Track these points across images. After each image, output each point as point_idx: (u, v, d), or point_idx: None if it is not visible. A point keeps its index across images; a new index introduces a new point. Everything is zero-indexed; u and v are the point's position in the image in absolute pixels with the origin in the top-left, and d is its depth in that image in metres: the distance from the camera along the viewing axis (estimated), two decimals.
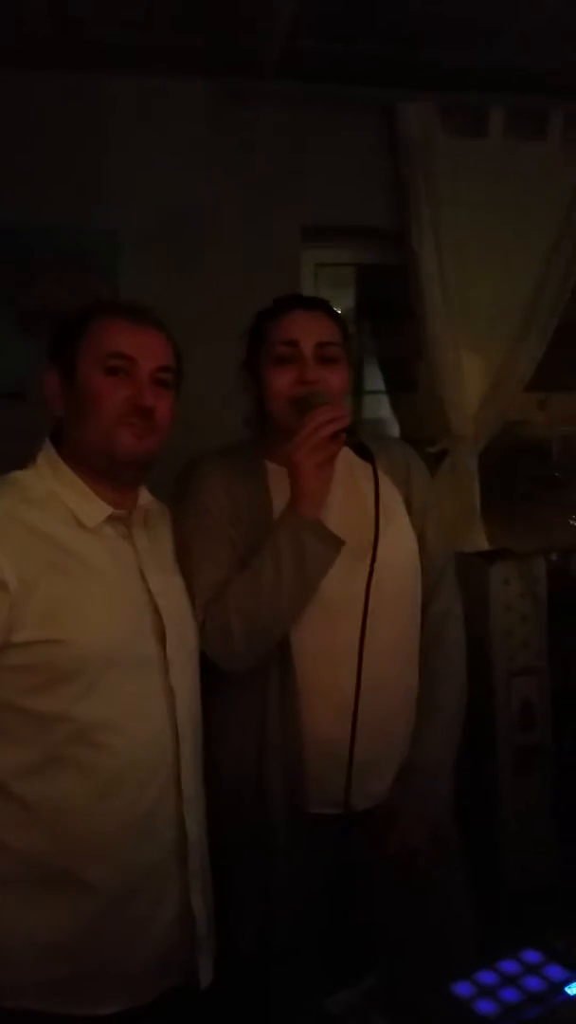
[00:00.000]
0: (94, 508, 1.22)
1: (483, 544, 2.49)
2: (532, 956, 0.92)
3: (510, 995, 0.86)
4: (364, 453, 1.34)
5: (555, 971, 0.89)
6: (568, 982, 0.88)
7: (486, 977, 0.88)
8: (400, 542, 1.45)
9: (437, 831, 1.45)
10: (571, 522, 3.14)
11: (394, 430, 3.02)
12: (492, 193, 2.40)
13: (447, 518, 2.31)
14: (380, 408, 3.28)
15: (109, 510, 1.24)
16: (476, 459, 2.50)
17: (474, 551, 2.44)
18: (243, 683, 1.39)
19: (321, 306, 1.47)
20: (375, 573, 1.32)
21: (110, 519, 1.24)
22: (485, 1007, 0.85)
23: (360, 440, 1.35)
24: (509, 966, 0.90)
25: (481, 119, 2.41)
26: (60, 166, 2.31)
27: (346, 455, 1.36)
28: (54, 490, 1.22)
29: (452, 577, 1.56)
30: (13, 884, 1.14)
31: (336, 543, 1.32)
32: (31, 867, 1.14)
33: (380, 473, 1.45)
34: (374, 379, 3.17)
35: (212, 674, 1.36)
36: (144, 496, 1.33)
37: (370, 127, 2.43)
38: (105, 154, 2.32)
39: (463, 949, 1.45)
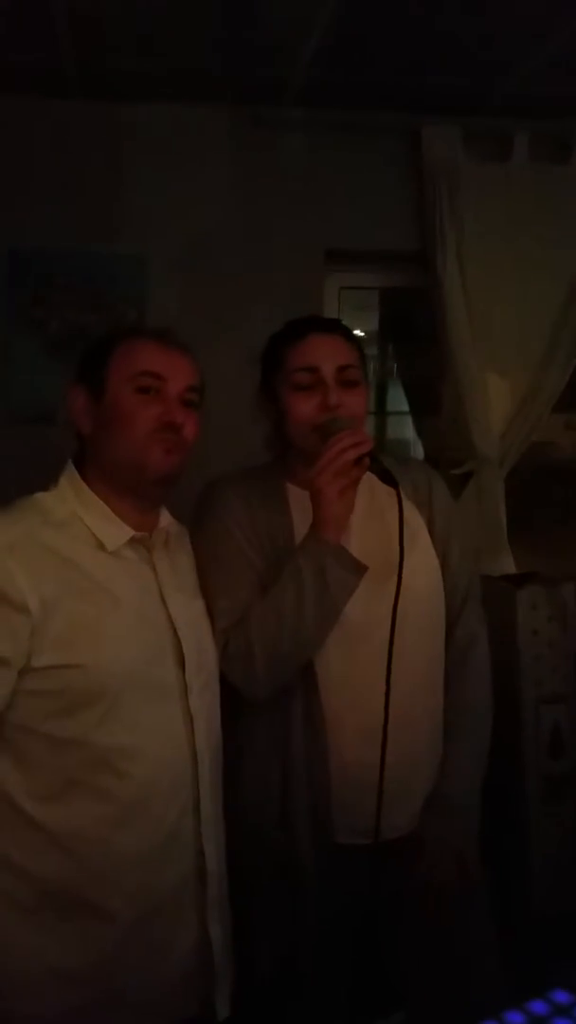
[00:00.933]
0: (116, 531, 1.23)
1: (510, 568, 2.47)
2: (562, 997, 0.89)
3: None
4: (388, 479, 1.33)
5: None
6: None
7: (515, 1018, 0.85)
8: (423, 566, 1.43)
9: (464, 862, 1.42)
10: None
11: (418, 451, 3.00)
12: (516, 217, 2.41)
13: (472, 541, 2.29)
14: (404, 429, 3.27)
15: (131, 533, 1.24)
16: (502, 481, 2.48)
17: (501, 575, 2.41)
18: (266, 709, 1.37)
19: (338, 328, 1.45)
20: (400, 598, 1.30)
21: (131, 542, 1.24)
22: None
23: (384, 466, 1.33)
24: (538, 1007, 0.87)
25: (505, 143, 2.42)
26: (88, 193, 2.35)
27: (367, 478, 1.35)
28: (76, 512, 1.22)
29: (477, 601, 1.54)
30: (30, 910, 1.13)
31: (359, 568, 1.31)
32: (48, 893, 1.13)
33: (404, 498, 1.44)
34: (398, 400, 3.16)
35: (234, 699, 1.35)
36: (165, 518, 1.33)
37: (394, 152, 2.46)
38: (132, 181, 2.37)
39: (487, 984, 1.42)
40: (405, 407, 3.12)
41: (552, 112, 2.37)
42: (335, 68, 2.14)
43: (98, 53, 2.09)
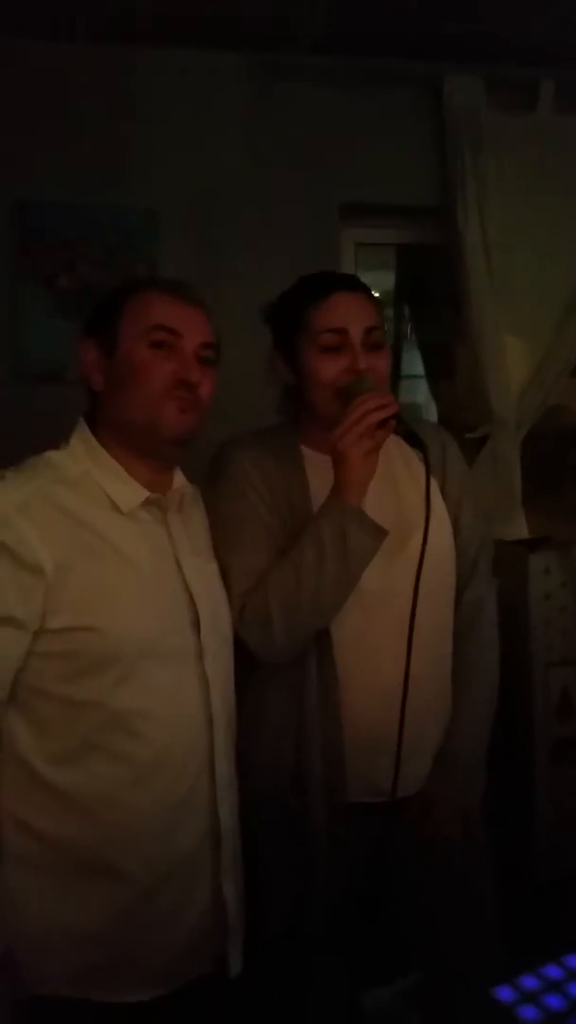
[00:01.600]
0: (131, 491, 1.20)
1: (523, 532, 2.45)
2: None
3: (554, 1002, 0.83)
4: (414, 441, 1.30)
5: None
6: None
7: (529, 982, 0.86)
8: (439, 530, 1.41)
9: (468, 820, 1.44)
10: None
11: (431, 415, 2.97)
12: (540, 170, 2.34)
13: (486, 505, 2.26)
14: (417, 393, 3.22)
15: (146, 494, 1.21)
16: (518, 446, 2.45)
17: (514, 539, 2.39)
18: (281, 671, 1.37)
19: (359, 286, 1.41)
20: (425, 564, 1.28)
21: (146, 503, 1.22)
22: (528, 1013, 0.82)
23: (410, 427, 1.31)
24: (553, 971, 0.87)
25: (530, 93, 2.34)
26: (97, 145, 2.29)
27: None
28: (89, 472, 1.20)
29: (487, 565, 1.53)
30: (47, 871, 1.13)
31: (380, 532, 1.29)
32: (65, 854, 1.13)
33: (419, 463, 1.41)
34: (412, 364, 3.11)
35: (248, 661, 1.34)
36: (179, 479, 1.31)
37: (414, 102, 2.38)
38: (144, 131, 2.30)
39: (488, 941, 1.44)
40: (419, 371, 3.07)
41: None
42: (353, 14, 2.06)
43: None
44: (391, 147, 2.38)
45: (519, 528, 2.45)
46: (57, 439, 1.26)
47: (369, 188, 2.39)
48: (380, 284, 2.90)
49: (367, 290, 1.42)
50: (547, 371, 2.41)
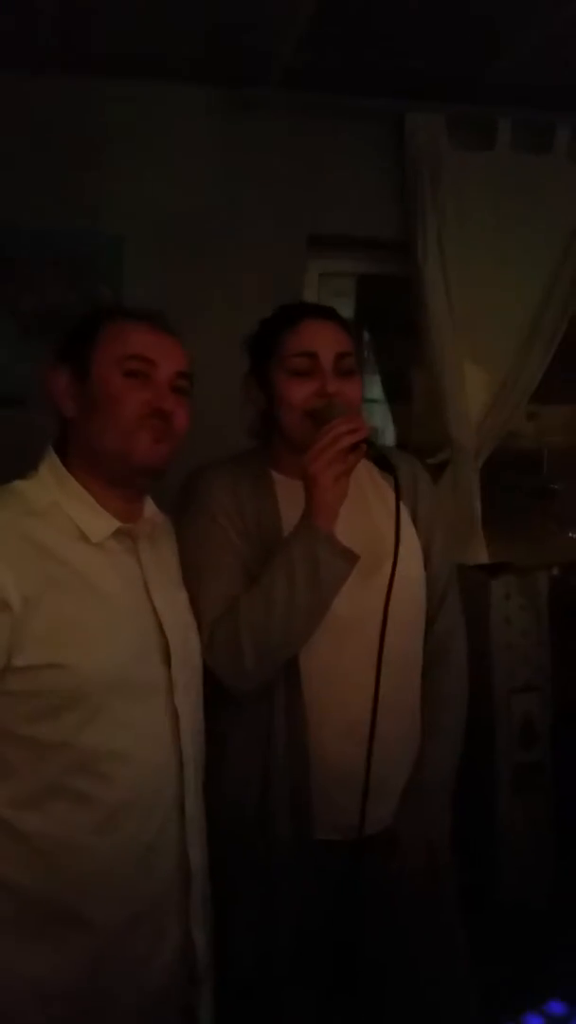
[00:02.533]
0: (100, 522, 1.18)
1: (483, 557, 2.47)
2: (558, 1008, 0.88)
3: None
4: (385, 465, 1.31)
5: None
6: None
7: (533, 1021, 0.85)
8: (410, 558, 1.42)
9: (433, 849, 1.43)
10: (571, 535, 3.13)
11: (389, 440, 3.00)
12: (498, 206, 2.39)
13: (450, 532, 2.29)
14: (375, 418, 3.26)
15: (116, 524, 1.19)
16: (478, 471, 2.48)
17: (475, 564, 2.42)
18: (248, 702, 1.35)
19: (333, 315, 1.43)
20: (396, 591, 1.29)
21: (116, 533, 1.20)
22: None
23: (381, 452, 1.32)
24: (534, 1021, 0.86)
25: (488, 132, 2.40)
26: (66, 171, 2.28)
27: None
28: (58, 502, 1.17)
29: (456, 594, 1.54)
30: (8, 922, 1.09)
31: (351, 557, 1.29)
32: (28, 904, 1.09)
33: (390, 488, 1.42)
34: (371, 388, 3.15)
35: (214, 693, 1.32)
36: (150, 507, 1.29)
37: (377, 138, 2.41)
38: (112, 160, 2.30)
39: (457, 969, 1.43)
40: (377, 395, 3.11)
41: (535, 101, 2.35)
42: (319, 50, 2.09)
43: (78, 26, 2.02)
44: (355, 180, 2.41)
45: (479, 553, 2.48)
46: (19, 463, 1.23)
47: (333, 220, 2.42)
48: (340, 312, 2.93)
49: (341, 320, 1.43)
50: (506, 399, 2.46)
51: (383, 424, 3.15)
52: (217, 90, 2.29)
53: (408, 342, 2.60)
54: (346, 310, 3.03)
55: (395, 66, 2.18)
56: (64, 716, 1.08)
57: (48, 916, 1.09)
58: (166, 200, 2.30)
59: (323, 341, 1.36)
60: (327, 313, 1.43)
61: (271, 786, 1.34)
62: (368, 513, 1.42)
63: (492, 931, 1.86)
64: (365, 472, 1.39)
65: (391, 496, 1.44)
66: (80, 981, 1.10)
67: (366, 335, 3.09)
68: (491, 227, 2.39)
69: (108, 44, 2.10)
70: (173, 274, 2.30)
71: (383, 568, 1.33)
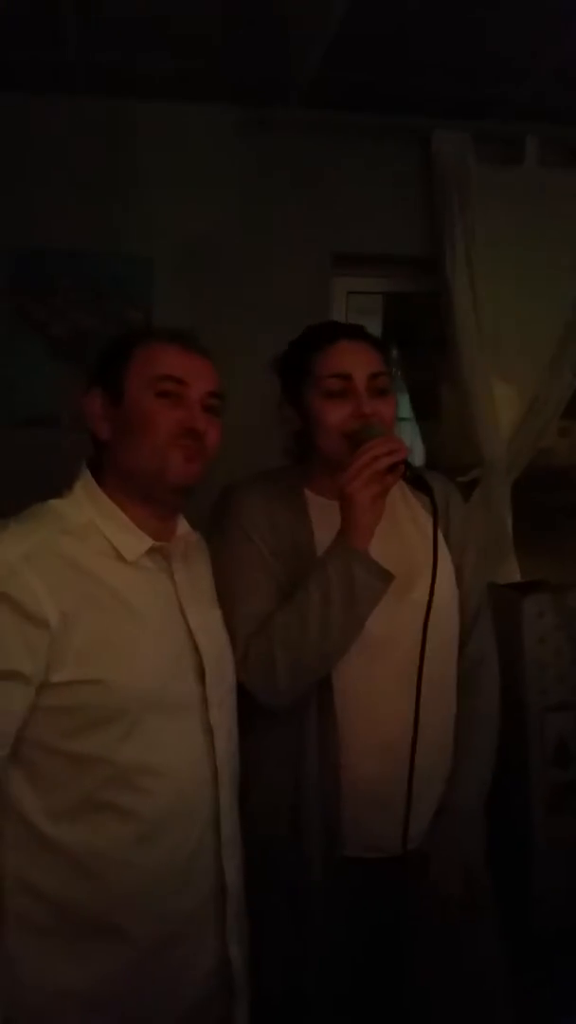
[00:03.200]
0: (135, 540, 1.19)
1: (516, 576, 2.45)
2: None
3: None
4: (422, 486, 1.31)
5: None
6: None
7: None
8: (444, 578, 1.40)
9: (470, 875, 1.41)
10: None
11: (419, 458, 2.99)
12: (526, 222, 2.39)
13: (482, 554, 2.27)
14: (404, 436, 3.25)
15: (150, 542, 1.20)
16: (509, 489, 2.46)
17: (507, 583, 2.39)
18: (280, 720, 1.35)
19: (365, 335, 1.44)
20: (432, 611, 1.28)
21: (150, 551, 1.21)
22: None
23: (418, 473, 1.32)
24: None
25: (516, 148, 2.41)
26: (92, 193, 2.33)
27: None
28: (93, 521, 1.19)
29: (488, 616, 1.52)
30: (48, 933, 1.10)
31: (386, 577, 1.29)
32: (67, 915, 1.10)
33: (422, 508, 1.42)
34: (400, 406, 3.14)
35: (247, 711, 1.32)
36: (183, 526, 1.30)
37: (403, 155, 2.44)
38: (138, 182, 2.34)
39: (496, 1000, 1.40)
40: (405, 413, 3.11)
41: (563, 117, 2.35)
42: (344, 69, 2.12)
43: (104, 49, 2.06)
44: (381, 198, 2.43)
45: (511, 571, 2.46)
46: (49, 485, 1.25)
47: (360, 238, 2.44)
48: (368, 330, 2.94)
49: (374, 339, 1.44)
50: (537, 415, 2.45)
51: (412, 442, 3.14)
52: (243, 110, 2.33)
53: (436, 359, 2.60)
54: (373, 328, 3.02)
55: (420, 84, 2.20)
56: (101, 731, 1.09)
57: (83, 928, 1.10)
58: (193, 221, 2.34)
59: (356, 362, 1.36)
60: (359, 333, 1.43)
61: (303, 803, 1.34)
62: (401, 533, 1.42)
63: (526, 957, 1.82)
64: (397, 492, 1.39)
65: (423, 516, 1.44)
66: (118, 994, 1.11)
67: (394, 353, 3.09)
68: (519, 243, 2.39)
69: (133, 66, 2.14)
70: (200, 295, 2.33)
71: (416, 588, 1.33)
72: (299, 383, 1.40)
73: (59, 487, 1.25)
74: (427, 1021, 1.39)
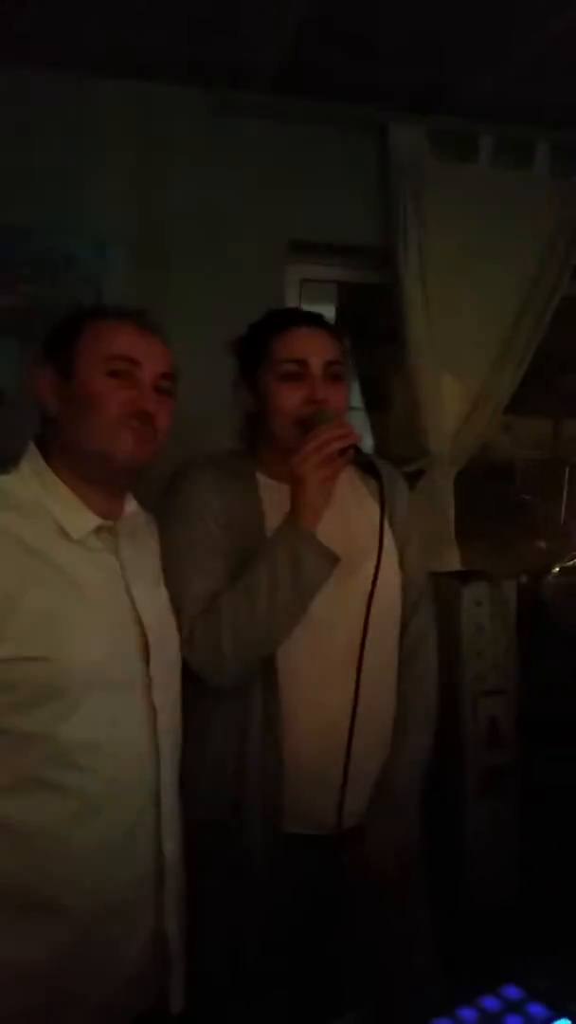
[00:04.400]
0: (81, 518, 1.19)
1: (456, 564, 2.51)
2: (513, 992, 0.91)
3: None
4: (371, 470, 1.35)
5: (537, 1009, 0.88)
6: (550, 1020, 0.87)
7: (466, 1014, 0.87)
8: (388, 562, 1.44)
9: (404, 853, 1.45)
10: (539, 545, 3.19)
11: (367, 447, 3.03)
12: (478, 219, 2.43)
13: (425, 539, 2.32)
14: (355, 425, 3.28)
15: (97, 521, 1.20)
16: (452, 480, 2.52)
17: (448, 571, 2.45)
18: (224, 699, 1.37)
19: (324, 323, 1.46)
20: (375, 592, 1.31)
21: (97, 530, 1.21)
22: None
23: (368, 458, 1.35)
24: (490, 1003, 0.89)
25: (471, 145, 2.44)
26: (48, 168, 2.28)
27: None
28: (39, 498, 1.18)
29: (429, 600, 1.57)
30: None
31: (332, 559, 1.31)
32: (6, 889, 1.10)
33: (368, 494, 1.45)
34: (350, 395, 3.17)
35: (192, 688, 1.33)
36: (131, 505, 1.30)
37: (362, 146, 2.44)
38: (93, 159, 2.30)
39: (426, 976, 1.46)
40: (356, 402, 3.14)
41: (518, 116, 2.39)
42: (308, 55, 2.12)
43: (66, 24, 2.03)
44: (339, 188, 2.43)
45: (452, 560, 2.52)
46: None
47: (316, 226, 2.44)
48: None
49: (331, 327, 1.46)
50: (481, 409, 2.50)
51: (361, 432, 3.17)
52: (202, 93, 2.30)
53: (388, 350, 2.63)
54: (327, 316, 3.05)
55: (380, 76, 2.21)
56: (42, 708, 1.10)
57: (24, 904, 1.11)
58: (148, 201, 2.31)
59: (313, 348, 1.39)
60: (318, 320, 1.46)
61: (245, 780, 1.36)
62: (346, 517, 1.45)
63: (458, 933, 1.88)
64: (345, 477, 1.42)
65: (369, 501, 1.47)
66: (56, 967, 1.12)
67: (347, 342, 3.11)
68: (470, 239, 2.42)
69: (92, 42, 2.10)
70: (154, 275, 2.30)
71: (359, 571, 1.36)
72: (256, 365, 1.42)
73: (7, 465, 1.23)
74: (363, 989, 1.43)
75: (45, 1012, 1.11)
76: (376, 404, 3.02)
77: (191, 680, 1.34)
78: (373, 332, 2.80)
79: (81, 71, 2.23)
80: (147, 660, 1.21)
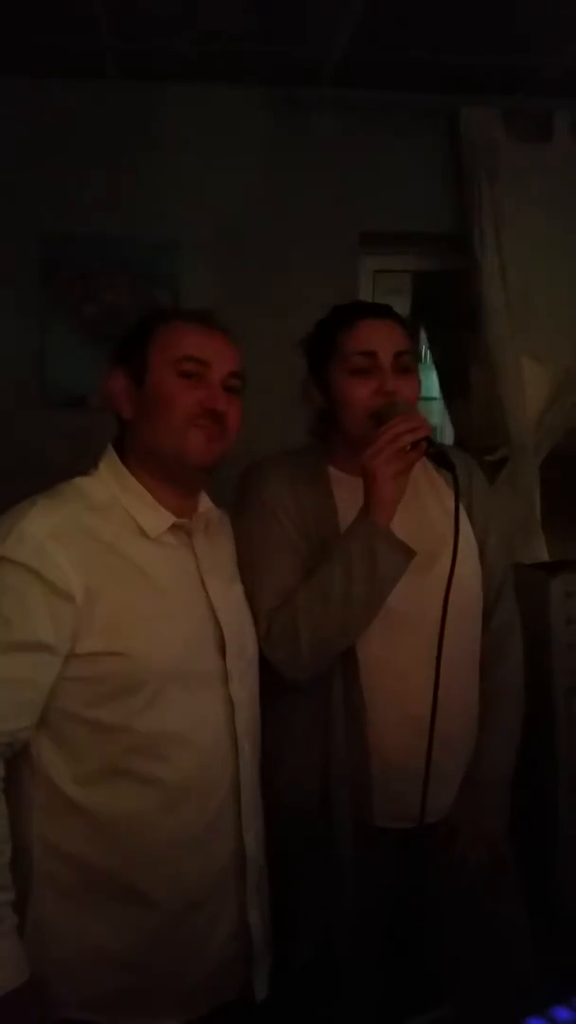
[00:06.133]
0: (157, 517, 1.22)
1: (543, 556, 2.44)
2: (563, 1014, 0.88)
3: None
4: (444, 462, 1.33)
5: None
6: None
7: (561, 1014, 0.85)
8: (466, 554, 1.43)
9: (495, 846, 1.44)
10: None
11: (448, 437, 2.98)
12: (555, 198, 2.37)
13: (506, 529, 2.27)
14: (432, 415, 3.24)
15: (172, 519, 1.23)
16: (537, 468, 2.45)
17: (534, 563, 2.39)
18: (305, 693, 1.37)
19: (391, 314, 1.45)
20: (453, 586, 1.30)
21: (172, 528, 1.24)
22: None
23: (441, 449, 1.33)
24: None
25: (545, 124, 2.37)
26: (121, 176, 2.34)
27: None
28: (117, 498, 1.22)
29: (511, 591, 1.54)
30: (76, 894, 1.14)
31: (408, 553, 1.30)
32: (93, 878, 1.14)
33: (445, 485, 1.43)
34: (428, 385, 3.13)
35: (273, 684, 1.35)
36: (205, 503, 1.32)
37: (431, 132, 2.42)
38: (165, 163, 2.35)
39: (522, 971, 1.43)
40: (434, 392, 3.10)
41: None
42: (371, 47, 2.11)
43: (134, 33, 2.08)
44: (409, 176, 2.42)
45: (539, 552, 2.45)
46: (82, 464, 1.28)
47: (387, 217, 2.43)
48: (396, 308, 2.93)
49: (399, 318, 1.45)
50: (566, 395, 2.42)
51: (441, 421, 3.13)
52: (269, 90, 2.33)
53: (466, 338, 2.58)
54: (402, 307, 3.02)
55: (446, 61, 2.18)
56: (124, 701, 1.13)
57: (111, 891, 1.14)
58: (220, 201, 2.35)
59: (381, 340, 1.38)
60: (384, 311, 1.44)
61: (331, 774, 1.36)
62: (423, 510, 1.43)
63: (550, 935, 1.84)
64: (420, 469, 1.40)
65: (446, 493, 1.45)
66: (139, 954, 1.15)
67: (423, 332, 3.07)
68: (549, 220, 2.36)
69: (164, 48, 2.14)
70: (228, 275, 2.34)
71: (438, 564, 1.34)
72: (325, 361, 1.42)
73: (90, 467, 1.28)
74: (456, 987, 1.42)
75: (130, 998, 1.15)
76: (456, 393, 2.96)
77: (271, 677, 1.34)
78: (450, 320, 2.75)
79: (148, 77, 2.28)
80: (223, 655, 1.23)
